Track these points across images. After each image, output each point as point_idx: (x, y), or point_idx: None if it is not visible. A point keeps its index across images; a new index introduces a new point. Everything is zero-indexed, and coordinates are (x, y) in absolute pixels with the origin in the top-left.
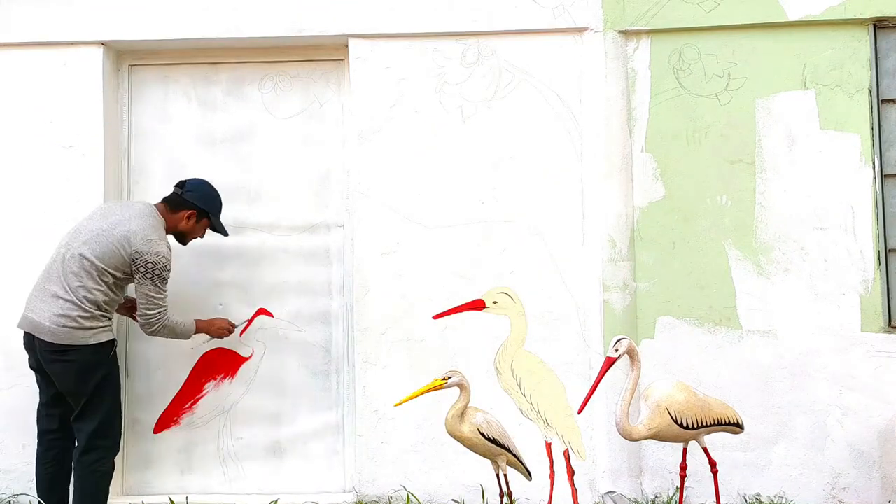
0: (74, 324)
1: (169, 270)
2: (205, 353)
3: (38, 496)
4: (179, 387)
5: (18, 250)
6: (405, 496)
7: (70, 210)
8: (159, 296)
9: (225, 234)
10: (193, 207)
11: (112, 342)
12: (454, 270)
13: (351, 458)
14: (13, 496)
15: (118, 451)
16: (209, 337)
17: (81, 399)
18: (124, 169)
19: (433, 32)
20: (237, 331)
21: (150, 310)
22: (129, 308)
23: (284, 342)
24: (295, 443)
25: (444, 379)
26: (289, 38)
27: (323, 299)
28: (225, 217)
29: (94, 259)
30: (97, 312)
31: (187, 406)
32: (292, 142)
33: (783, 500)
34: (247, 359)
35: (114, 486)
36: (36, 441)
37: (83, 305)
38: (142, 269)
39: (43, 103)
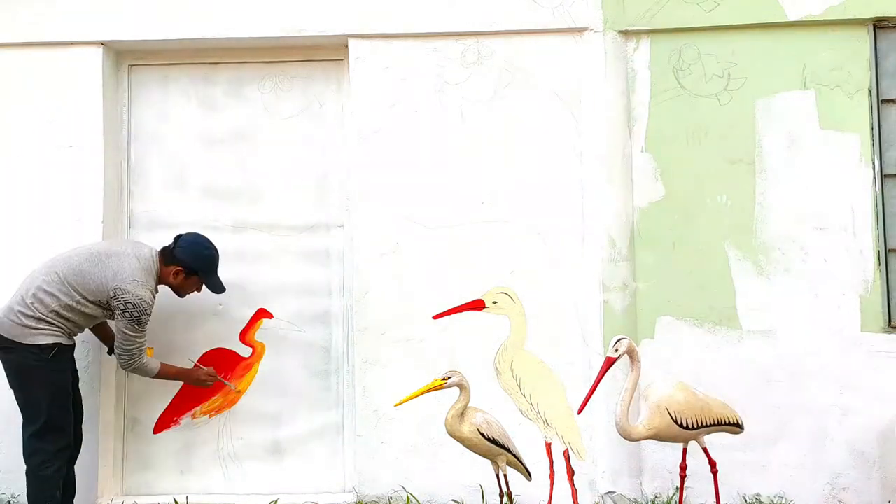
0: (16, 319)
1: (148, 315)
2: (205, 354)
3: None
4: (179, 387)
5: (18, 250)
6: (405, 496)
7: (70, 210)
8: (135, 335)
9: (219, 291)
10: (180, 265)
11: (54, 346)
12: (454, 271)
13: (351, 458)
14: (13, 496)
15: (67, 457)
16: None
17: (21, 401)
18: (124, 169)
19: (433, 32)
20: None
21: (124, 348)
22: (104, 337)
23: (284, 342)
24: (295, 443)
25: (443, 379)
26: (289, 38)
27: (323, 299)
28: (225, 217)
29: (70, 275)
30: (42, 314)
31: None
32: (292, 142)
33: (783, 500)
34: (247, 359)
35: (114, 486)
36: None
37: (30, 304)
38: (121, 307)
39: (43, 103)
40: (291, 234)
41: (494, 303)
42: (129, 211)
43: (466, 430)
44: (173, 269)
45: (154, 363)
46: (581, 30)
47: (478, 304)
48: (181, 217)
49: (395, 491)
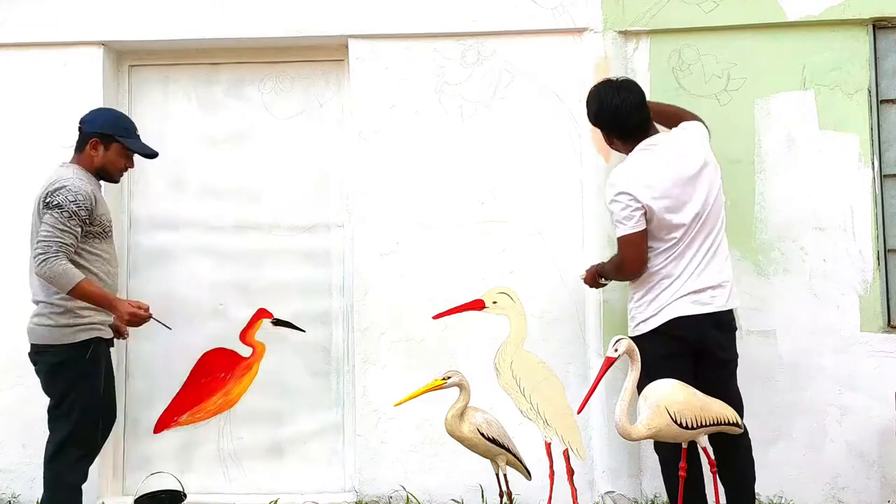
0: (50, 322)
1: (86, 211)
2: (205, 353)
3: None
4: (179, 387)
5: (18, 250)
6: (405, 496)
7: None
8: (62, 229)
9: (149, 154)
10: (92, 136)
11: (89, 343)
12: (454, 270)
13: (351, 458)
14: (13, 496)
15: (92, 462)
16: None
17: (52, 402)
18: None
19: (433, 33)
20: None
21: (43, 241)
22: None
23: (284, 342)
24: (295, 443)
25: (443, 379)
26: (289, 39)
27: (323, 299)
28: (225, 217)
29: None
30: (69, 305)
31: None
32: (292, 142)
33: (783, 500)
34: (247, 359)
35: (113, 486)
36: (37, 441)
37: (53, 302)
38: (46, 200)
39: (43, 103)
40: (291, 234)
41: (494, 303)
42: (129, 211)
43: (466, 429)
44: (89, 144)
45: (76, 272)
46: (581, 30)
47: (478, 304)
48: (181, 217)
49: (395, 491)
